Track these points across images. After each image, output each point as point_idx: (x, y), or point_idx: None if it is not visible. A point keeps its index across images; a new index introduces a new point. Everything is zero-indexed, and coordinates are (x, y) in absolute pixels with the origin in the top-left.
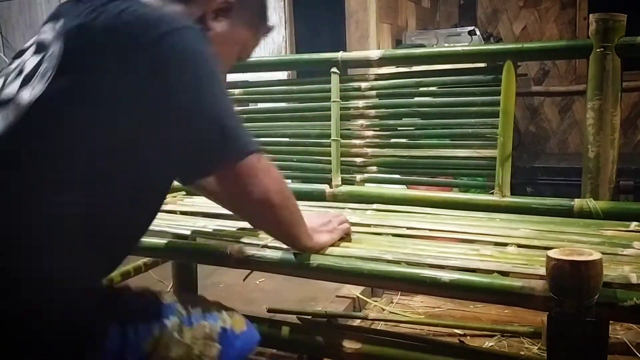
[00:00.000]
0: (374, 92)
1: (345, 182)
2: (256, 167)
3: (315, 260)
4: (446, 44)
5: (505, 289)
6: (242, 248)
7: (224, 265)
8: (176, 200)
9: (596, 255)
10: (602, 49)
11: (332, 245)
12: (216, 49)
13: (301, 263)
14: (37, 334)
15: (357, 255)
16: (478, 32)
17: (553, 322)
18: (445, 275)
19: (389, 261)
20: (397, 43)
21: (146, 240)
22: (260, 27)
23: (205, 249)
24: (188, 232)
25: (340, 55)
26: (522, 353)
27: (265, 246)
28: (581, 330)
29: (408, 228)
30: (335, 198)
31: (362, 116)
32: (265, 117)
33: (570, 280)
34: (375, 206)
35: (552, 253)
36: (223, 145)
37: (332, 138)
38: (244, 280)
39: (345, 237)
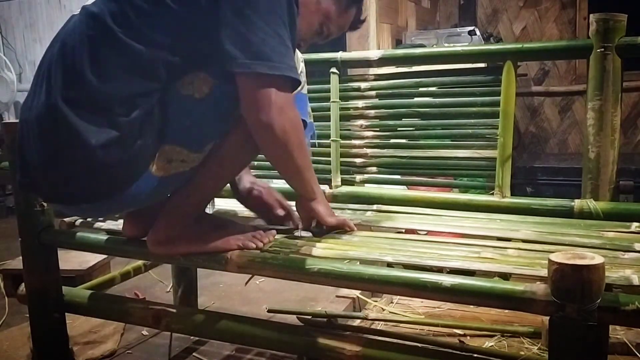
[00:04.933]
0: (373, 93)
1: (345, 182)
2: (269, 93)
3: (316, 264)
4: (446, 44)
5: (507, 294)
6: (242, 253)
7: (225, 270)
8: None
9: (598, 259)
10: (602, 49)
11: (332, 247)
12: (300, 10)
13: (302, 268)
14: None
15: (357, 257)
16: (478, 32)
17: (555, 326)
18: (447, 280)
19: (389, 264)
20: (397, 43)
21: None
22: (348, 10)
23: (206, 254)
24: None
25: (339, 55)
26: (522, 353)
27: (264, 250)
28: (583, 335)
29: (408, 229)
30: (335, 199)
31: (361, 116)
32: None
33: (572, 285)
34: (375, 207)
35: (554, 257)
36: (240, 54)
37: (331, 138)
38: (245, 284)
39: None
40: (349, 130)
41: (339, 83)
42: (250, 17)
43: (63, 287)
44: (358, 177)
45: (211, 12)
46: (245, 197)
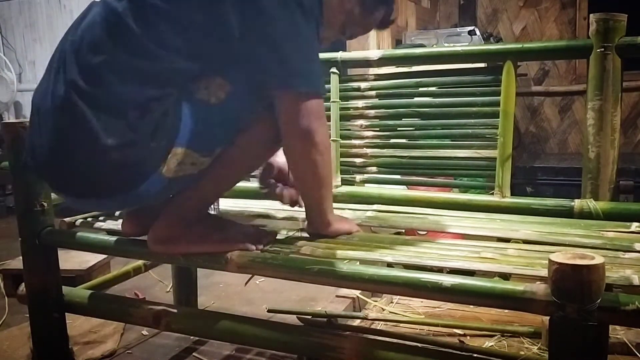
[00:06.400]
0: (373, 92)
1: (345, 182)
2: (310, 106)
3: (316, 264)
4: (446, 44)
5: (507, 294)
6: (242, 253)
7: (225, 270)
8: None
9: (598, 259)
10: (602, 49)
11: (332, 247)
12: (324, 10)
13: (302, 268)
14: None
15: (357, 257)
16: (478, 32)
17: (555, 326)
18: (447, 280)
19: (389, 264)
20: (397, 43)
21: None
22: (374, 11)
23: (206, 254)
24: None
25: (339, 55)
26: (522, 353)
27: (264, 250)
28: (583, 335)
29: (408, 229)
30: (335, 199)
31: (361, 116)
32: None
33: (572, 285)
34: (375, 207)
35: (554, 257)
36: (279, 74)
37: (331, 138)
38: (245, 284)
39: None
40: (349, 130)
41: (339, 83)
42: (284, 32)
43: (63, 287)
44: (358, 177)
45: (231, 16)
46: (268, 168)
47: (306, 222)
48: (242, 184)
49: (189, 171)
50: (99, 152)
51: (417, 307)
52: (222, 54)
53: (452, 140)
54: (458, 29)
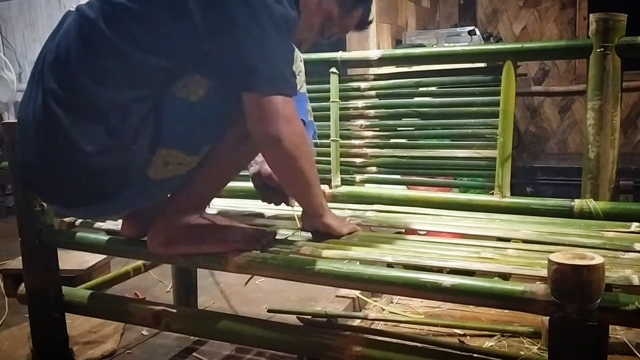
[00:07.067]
0: (373, 92)
1: (344, 182)
2: (276, 108)
3: (316, 264)
4: (446, 44)
5: (507, 294)
6: (242, 253)
7: (225, 270)
8: None
9: (598, 260)
10: (602, 49)
11: (332, 247)
12: (302, 10)
13: (302, 268)
14: None
15: (357, 257)
16: (478, 32)
17: (554, 326)
18: (447, 280)
19: (389, 264)
20: (397, 43)
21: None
22: (352, 11)
23: (206, 254)
24: None
25: (339, 55)
26: (522, 353)
27: (264, 250)
28: (583, 335)
29: (408, 229)
30: (335, 199)
31: (361, 116)
32: None
33: (572, 285)
34: (375, 207)
35: (554, 257)
36: (241, 75)
37: (331, 138)
38: (245, 284)
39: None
40: (349, 130)
41: (339, 83)
42: (253, 32)
43: (63, 287)
44: (358, 177)
45: (195, 14)
46: (257, 174)
47: (302, 217)
48: (241, 184)
49: (178, 172)
50: (81, 159)
51: (417, 307)
52: (194, 51)
53: (452, 140)
54: (458, 29)
